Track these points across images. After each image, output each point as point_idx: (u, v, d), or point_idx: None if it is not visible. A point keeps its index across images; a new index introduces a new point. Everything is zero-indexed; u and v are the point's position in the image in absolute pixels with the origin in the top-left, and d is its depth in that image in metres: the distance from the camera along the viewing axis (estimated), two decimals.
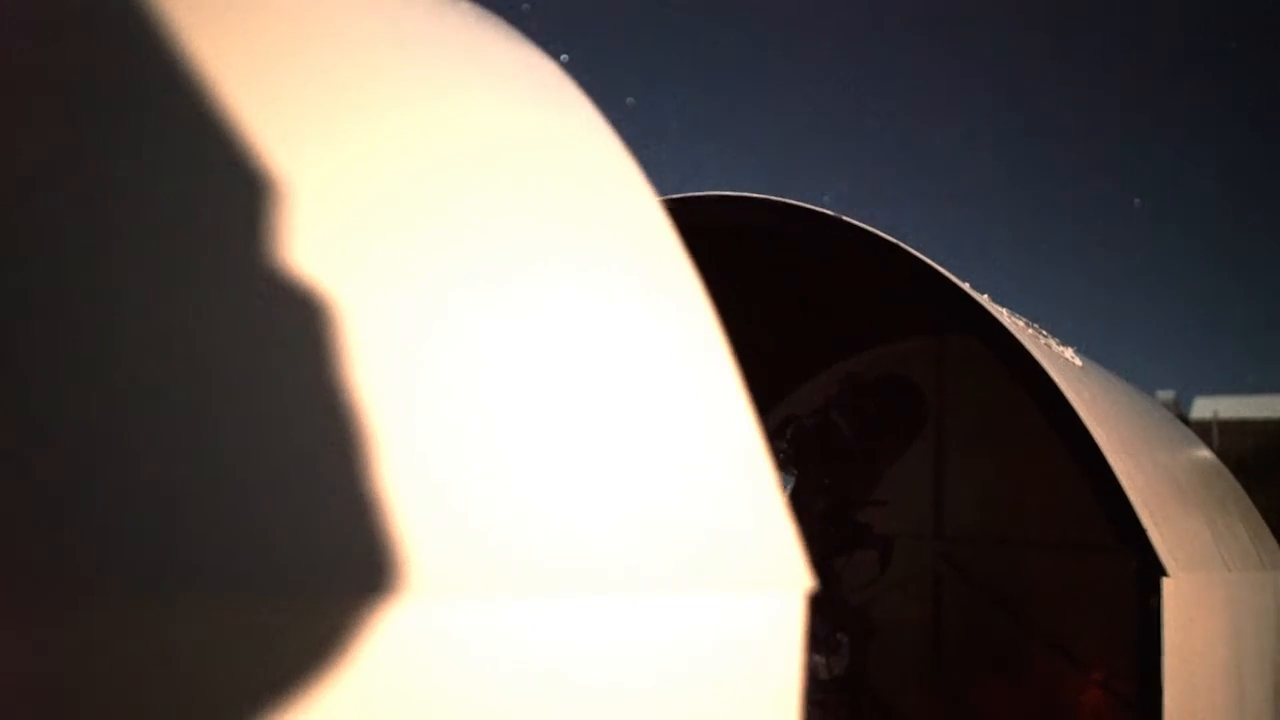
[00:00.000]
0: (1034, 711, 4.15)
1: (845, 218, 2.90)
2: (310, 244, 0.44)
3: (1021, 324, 2.93)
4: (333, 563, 0.38)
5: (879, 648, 4.04)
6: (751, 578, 0.46)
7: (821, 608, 3.25)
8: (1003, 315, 2.80)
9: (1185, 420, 6.42)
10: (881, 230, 2.85)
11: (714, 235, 3.37)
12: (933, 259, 2.79)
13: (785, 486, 3.10)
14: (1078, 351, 3.26)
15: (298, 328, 0.42)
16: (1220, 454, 4.60)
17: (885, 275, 3.06)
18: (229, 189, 0.44)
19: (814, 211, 2.94)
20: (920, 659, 4.39)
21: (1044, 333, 3.10)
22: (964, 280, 2.87)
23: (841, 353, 4.30)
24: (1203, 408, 22.77)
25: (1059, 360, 2.89)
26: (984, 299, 2.81)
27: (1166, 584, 2.51)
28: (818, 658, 3.18)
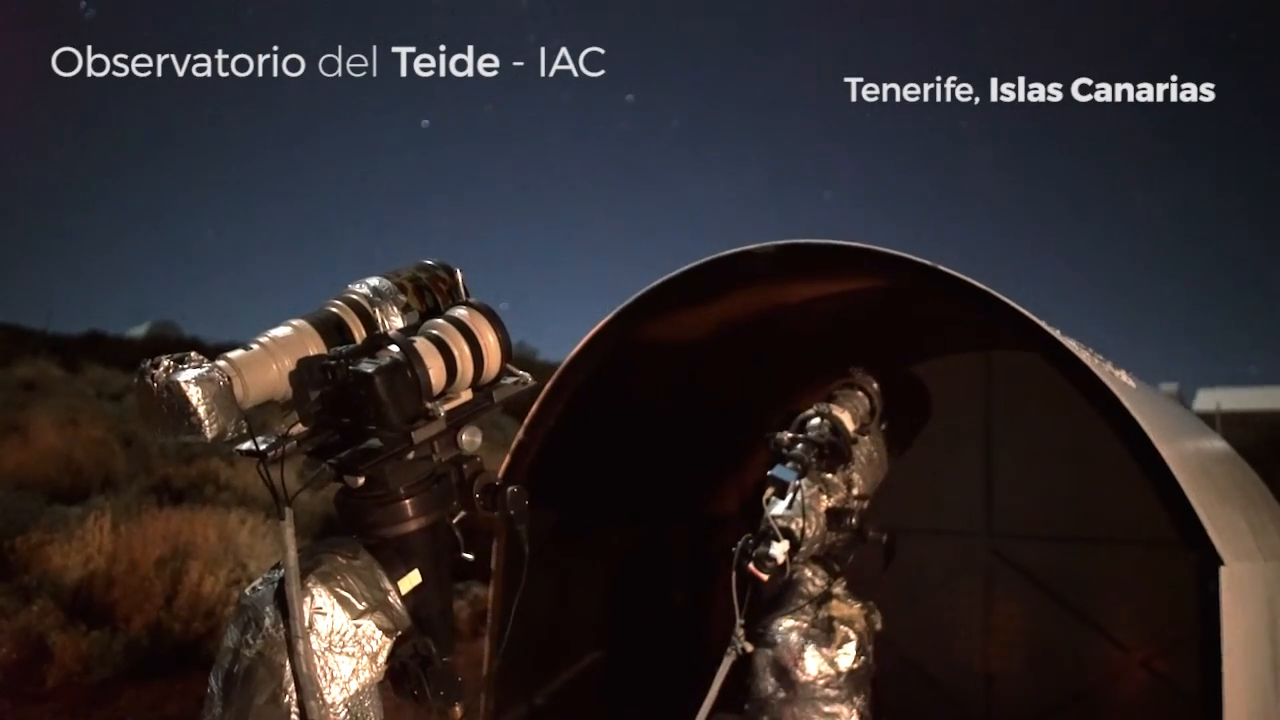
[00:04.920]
0: (1080, 693, 4.47)
1: (938, 265, 3.31)
2: None
3: (1089, 354, 3.29)
4: None
5: (938, 639, 4.67)
6: None
7: (829, 602, 3.23)
8: (1071, 344, 3.20)
9: None
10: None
11: (806, 272, 3.82)
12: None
13: (790, 483, 3.07)
14: (1129, 373, 3.71)
15: None
16: None
17: (953, 304, 3.49)
18: None
19: (903, 259, 3.36)
20: (972, 649, 4.73)
21: (1099, 356, 3.44)
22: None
23: (898, 365, 4.59)
24: (1206, 400, 22.74)
25: (1118, 381, 3.24)
26: (1058, 332, 3.23)
27: (1224, 572, 2.85)
28: (827, 651, 3.16)
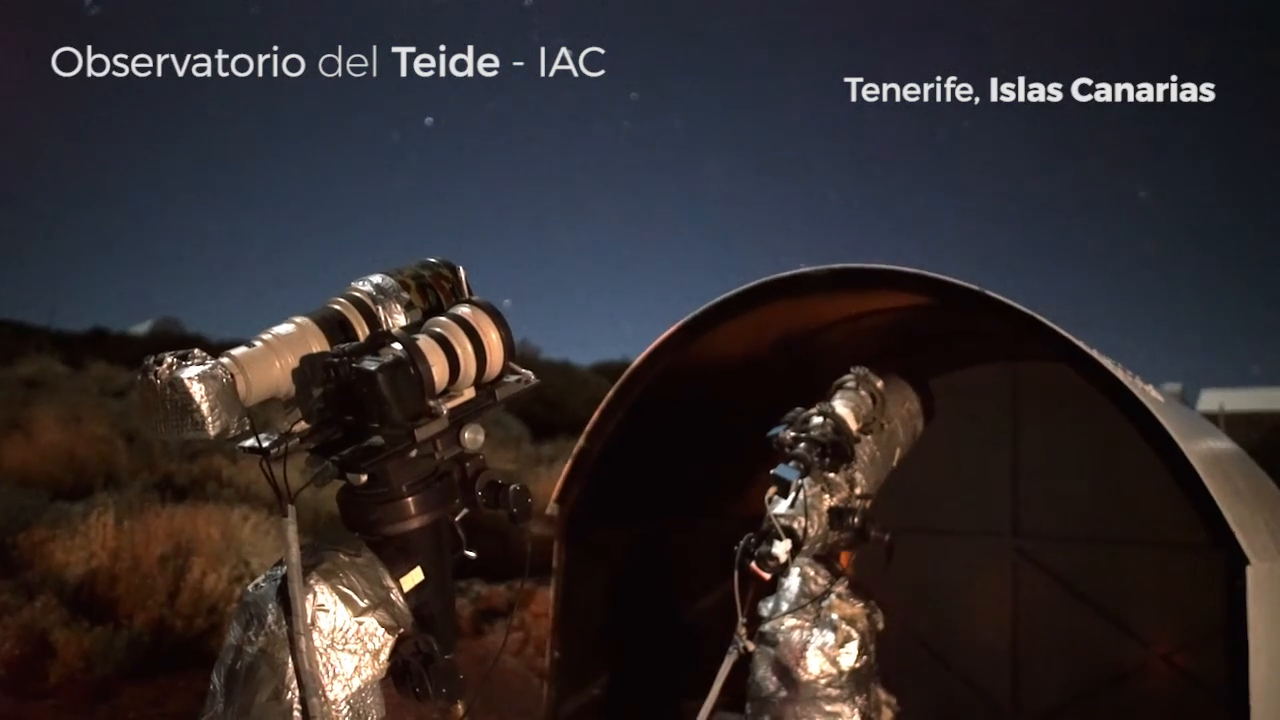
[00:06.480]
0: (1104, 688, 4.62)
1: (985, 290, 3.57)
2: None
3: (1122, 370, 3.47)
4: None
5: (964, 636, 4.88)
6: None
7: (830, 601, 3.23)
8: (1107, 362, 3.40)
9: None
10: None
11: (852, 289, 4.09)
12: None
13: (793, 482, 3.07)
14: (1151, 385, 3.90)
15: None
16: None
17: (994, 320, 3.74)
18: None
19: (953, 284, 3.63)
20: (998, 646, 4.92)
21: (1130, 372, 3.63)
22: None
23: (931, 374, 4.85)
24: (1209, 400, 22.70)
25: (1148, 395, 3.40)
26: (1095, 352, 3.43)
27: (1250, 571, 3.02)
28: (829, 650, 3.16)
